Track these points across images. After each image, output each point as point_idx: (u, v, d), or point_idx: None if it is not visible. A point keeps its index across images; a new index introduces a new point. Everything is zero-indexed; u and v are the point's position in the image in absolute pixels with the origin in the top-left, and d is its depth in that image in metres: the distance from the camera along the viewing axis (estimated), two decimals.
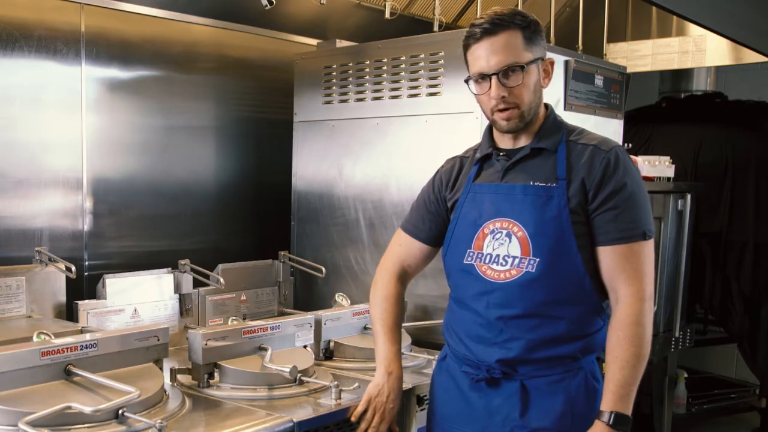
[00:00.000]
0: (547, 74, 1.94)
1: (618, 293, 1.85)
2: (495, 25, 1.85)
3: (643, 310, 1.83)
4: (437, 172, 2.16)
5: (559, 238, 1.85)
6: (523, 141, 1.96)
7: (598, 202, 1.84)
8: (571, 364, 1.91)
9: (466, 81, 1.94)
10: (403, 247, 2.18)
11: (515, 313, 1.89)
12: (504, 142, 1.99)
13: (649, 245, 1.86)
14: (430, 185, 2.15)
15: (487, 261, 1.93)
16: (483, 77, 1.88)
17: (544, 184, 1.88)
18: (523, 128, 1.93)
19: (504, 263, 1.90)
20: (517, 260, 1.88)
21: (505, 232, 1.91)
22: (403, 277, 2.20)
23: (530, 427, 1.90)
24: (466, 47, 1.92)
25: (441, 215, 2.11)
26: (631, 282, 1.84)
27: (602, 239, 1.85)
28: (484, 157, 2.02)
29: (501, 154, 1.98)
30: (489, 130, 2.04)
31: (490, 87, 1.87)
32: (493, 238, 1.93)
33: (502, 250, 1.91)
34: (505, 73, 1.85)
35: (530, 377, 1.91)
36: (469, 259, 1.97)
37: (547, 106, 2.00)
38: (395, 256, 2.20)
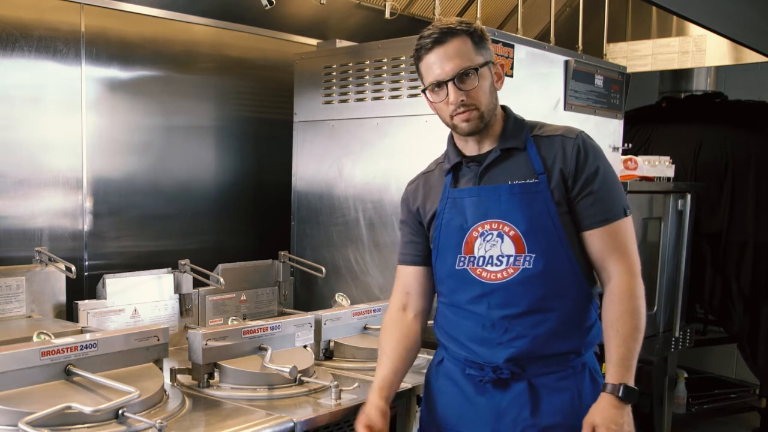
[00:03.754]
0: (499, 77, 1.98)
1: (610, 271, 1.90)
2: (444, 34, 1.89)
3: (637, 283, 1.90)
4: (402, 198, 2.16)
5: (551, 232, 1.88)
6: (488, 145, 1.97)
7: (578, 189, 1.89)
8: (576, 360, 1.93)
9: (423, 92, 1.96)
10: (400, 277, 2.16)
11: (519, 311, 1.90)
12: (469, 149, 2.00)
13: (629, 222, 1.93)
14: (402, 211, 2.15)
15: (480, 263, 1.93)
16: (439, 85, 1.91)
17: (525, 181, 1.91)
18: (484, 130, 1.95)
19: (499, 263, 1.91)
20: (512, 259, 1.90)
21: (495, 233, 1.92)
22: (407, 306, 2.12)
23: (541, 425, 1.90)
24: (418, 59, 1.95)
25: (421, 234, 2.09)
26: (622, 259, 1.89)
27: (587, 223, 1.90)
28: (454, 167, 2.02)
29: (471, 161, 1.99)
30: (451, 139, 2.05)
31: (447, 94, 1.90)
32: (483, 240, 1.93)
33: (495, 250, 1.91)
34: (461, 77, 1.88)
35: (538, 375, 1.92)
36: (462, 264, 1.97)
37: (504, 108, 2.02)
38: (396, 290, 2.16)
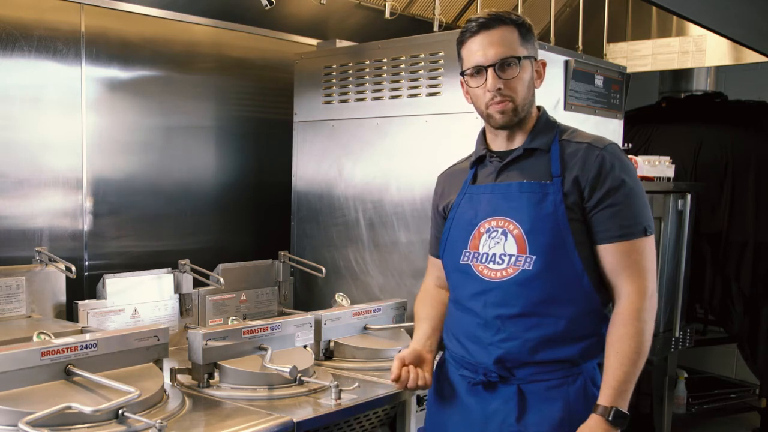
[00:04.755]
0: (539, 75, 1.97)
1: (620, 290, 1.85)
2: (492, 20, 1.89)
3: (645, 306, 1.83)
4: (434, 189, 2.20)
5: (556, 235, 1.84)
6: (517, 142, 1.97)
7: (596, 200, 1.84)
8: (571, 369, 1.88)
9: (462, 74, 1.95)
10: (432, 265, 2.22)
11: (513, 312, 1.88)
12: (497, 144, 2.00)
13: (649, 242, 1.87)
14: (432, 201, 2.19)
15: (483, 260, 1.93)
16: (479, 70, 1.90)
17: (538, 182, 1.88)
18: (516, 126, 1.94)
19: (500, 262, 1.90)
20: (513, 258, 1.88)
21: (501, 230, 1.91)
22: (441, 286, 2.19)
23: None
24: (461, 43, 1.95)
25: (442, 226, 2.12)
26: (633, 279, 1.83)
27: (602, 237, 1.85)
28: (478, 160, 2.03)
29: (494, 156, 1.99)
30: (482, 134, 2.05)
31: (485, 80, 1.89)
32: (489, 236, 1.92)
33: (498, 248, 1.90)
34: (501, 65, 1.87)
35: (528, 381, 1.89)
36: (466, 259, 1.97)
37: (539, 108, 2.01)
38: (429, 272, 2.25)
